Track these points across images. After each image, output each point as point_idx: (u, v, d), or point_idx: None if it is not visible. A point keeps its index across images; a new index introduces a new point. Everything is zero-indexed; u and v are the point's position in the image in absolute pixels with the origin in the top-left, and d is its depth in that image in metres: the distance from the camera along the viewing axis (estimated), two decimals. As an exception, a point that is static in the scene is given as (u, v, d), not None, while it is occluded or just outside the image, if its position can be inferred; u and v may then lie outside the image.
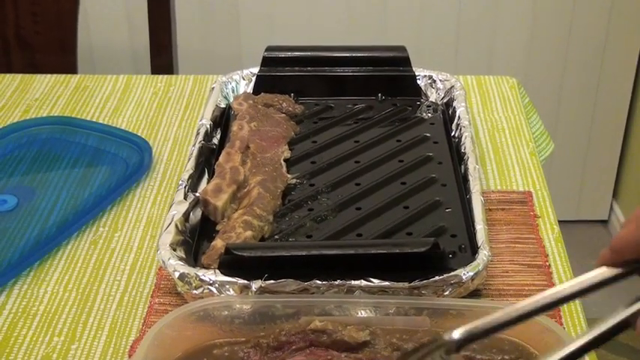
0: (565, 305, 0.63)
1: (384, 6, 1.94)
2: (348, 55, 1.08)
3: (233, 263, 0.75)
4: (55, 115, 1.10)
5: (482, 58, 2.03)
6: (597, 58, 2.05)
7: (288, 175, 0.92)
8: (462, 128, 0.96)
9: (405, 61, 1.07)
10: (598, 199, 2.26)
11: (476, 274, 0.75)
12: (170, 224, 0.81)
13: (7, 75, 1.20)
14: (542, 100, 2.03)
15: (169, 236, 0.80)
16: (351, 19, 1.95)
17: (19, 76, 1.20)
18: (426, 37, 1.99)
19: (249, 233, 0.81)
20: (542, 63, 2.05)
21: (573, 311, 0.78)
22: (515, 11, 1.99)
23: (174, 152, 1.02)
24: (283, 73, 1.07)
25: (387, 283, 0.74)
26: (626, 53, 2.04)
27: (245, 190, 0.88)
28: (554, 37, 2.02)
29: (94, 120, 1.09)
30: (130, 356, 0.75)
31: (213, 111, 1.00)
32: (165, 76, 1.20)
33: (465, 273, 0.74)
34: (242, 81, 1.07)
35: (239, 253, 0.75)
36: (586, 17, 1.99)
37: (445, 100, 1.05)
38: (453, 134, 0.98)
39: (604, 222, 2.30)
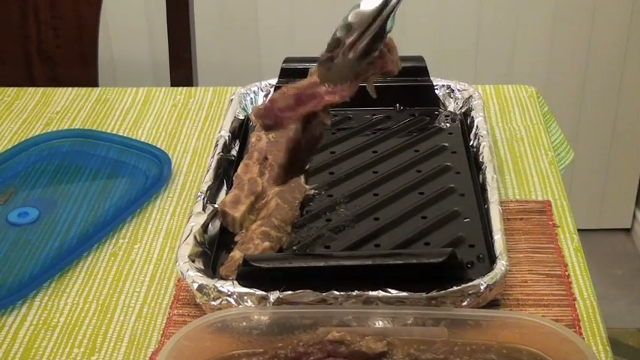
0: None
1: (402, 16, 1.94)
2: (365, 65, 1.08)
3: (251, 274, 0.75)
4: (76, 127, 1.11)
5: (502, 68, 2.03)
6: (618, 65, 2.03)
7: (307, 186, 0.93)
8: (480, 138, 0.96)
9: (423, 71, 1.07)
10: (620, 208, 2.24)
11: (494, 284, 0.75)
12: (189, 235, 0.82)
13: (29, 88, 1.21)
14: (564, 108, 2.02)
15: (188, 247, 0.81)
16: (370, 29, 1.95)
17: (41, 89, 1.21)
18: (445, 46, 1.99)
19: (267, 244, 0.81)
20: (563, 71, 2.04)
21: (593, 321, 0.78)
22: (535, 20, 1.98)
23: (194, 164, 1.03)
24: (301, 85, 1.07)
25: (404, 293, 0.73)
26: (648, 60, 2.03)
27: (263, 201, 0.88)
28: (574, 45, 2.01)
29: (115, 132, 1.10)
30: (149, 367, 0.75)
31: (232, 123, 1.01)
32: (185, 88, 1.21)
33: (483, 283, 0.74)
34: (260, 92, 1.08)
35: (257, 265, 0.75)
36: (606, 25, 1.98)
37: (463, 110, 1.05)
38: (471, 144, 0.98)
39: (627, 230, 2.28)
